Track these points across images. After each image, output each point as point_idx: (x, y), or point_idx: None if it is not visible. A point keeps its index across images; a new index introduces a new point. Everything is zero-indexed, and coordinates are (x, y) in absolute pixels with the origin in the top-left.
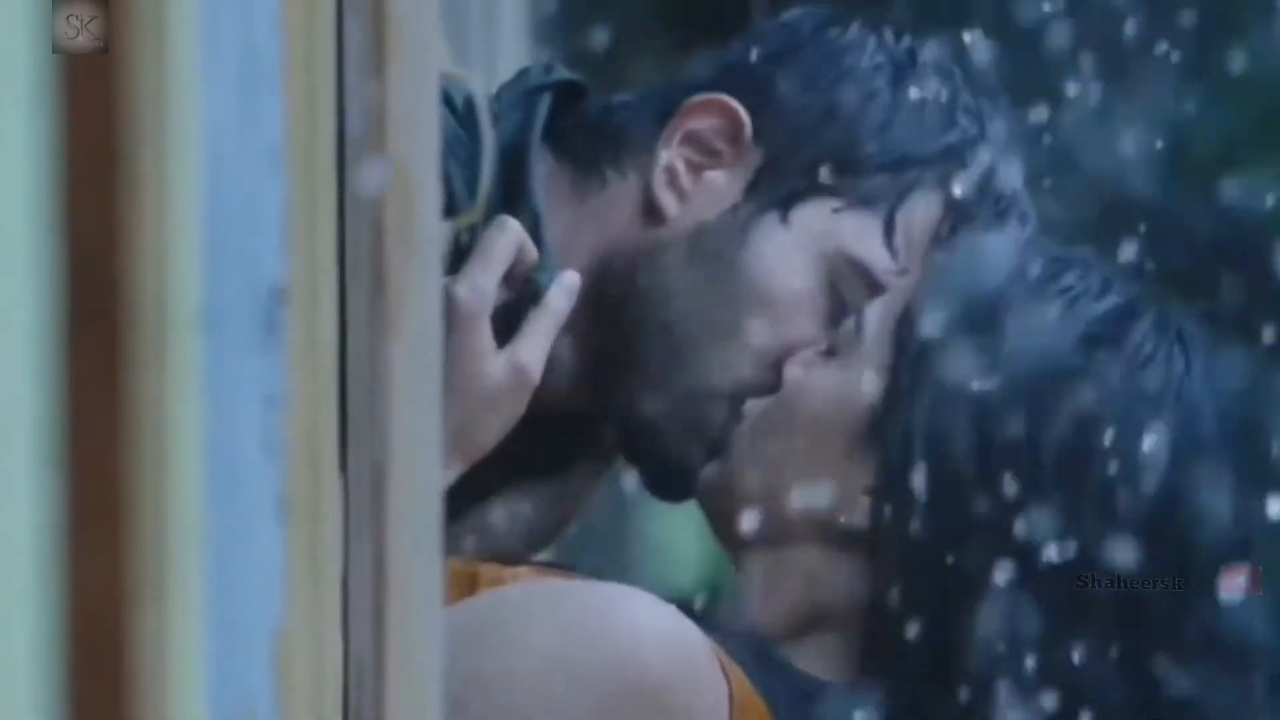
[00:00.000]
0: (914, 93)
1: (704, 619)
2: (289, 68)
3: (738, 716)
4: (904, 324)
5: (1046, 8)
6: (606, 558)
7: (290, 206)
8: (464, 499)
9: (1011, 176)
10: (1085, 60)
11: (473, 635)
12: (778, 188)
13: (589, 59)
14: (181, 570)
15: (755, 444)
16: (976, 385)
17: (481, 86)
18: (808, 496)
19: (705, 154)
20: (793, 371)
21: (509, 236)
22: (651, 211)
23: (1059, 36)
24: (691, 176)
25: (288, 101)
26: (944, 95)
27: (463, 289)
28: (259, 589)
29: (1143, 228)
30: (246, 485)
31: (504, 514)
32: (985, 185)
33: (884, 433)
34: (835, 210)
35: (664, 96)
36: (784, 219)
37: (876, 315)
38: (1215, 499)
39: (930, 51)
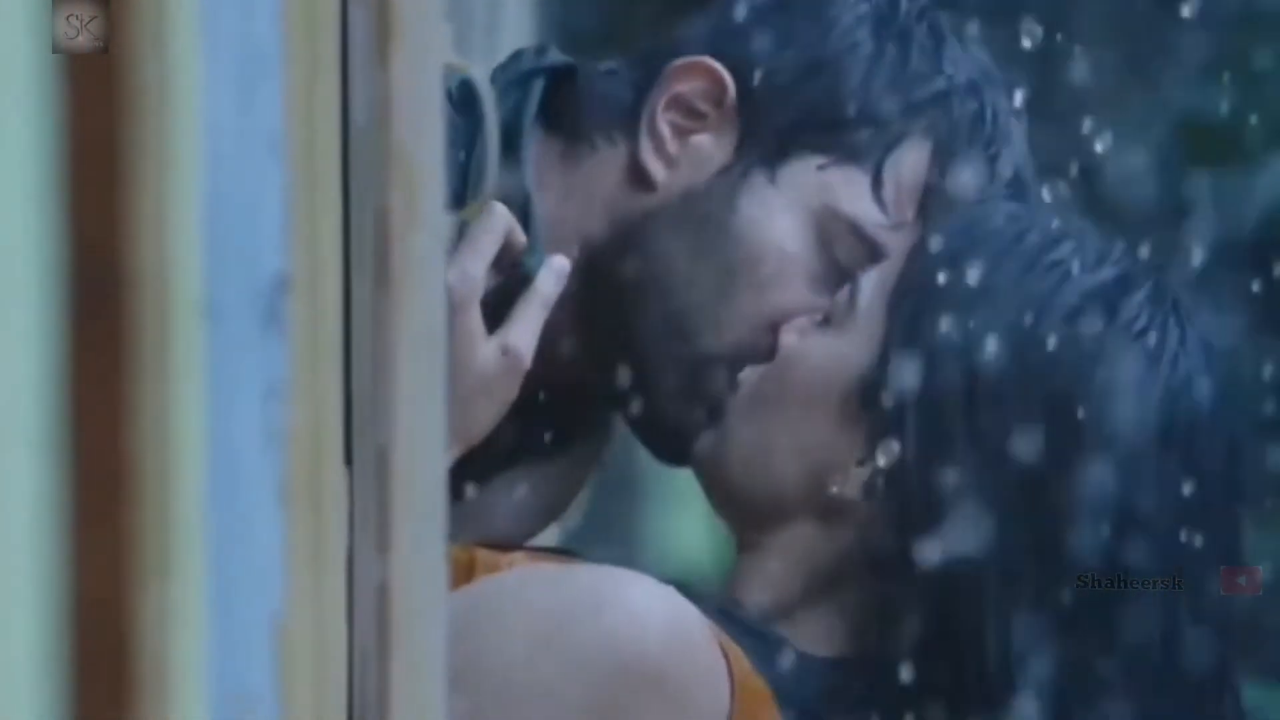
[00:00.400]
0: (897, 42)
1: (702, 598)
2: (290, 57)
3: (737, 696)
4: (898, 294)
5: None
6: (611, 546)
7: (292, 197)
8: (459, 484)
9: (1004, 122)
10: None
11: (469, 621)
12: (763, 148)
13: (583, 37)
14: (183, 560)
15: (750, 413)
16: (970, 356)
17: (483, 75)
18: (802, 466)
19: (691, 118)
20: (787, 339)
21: (497, 222)
22: (640, 179)
23: None
24: (678, 142)
25: (289, 91)
26: (929, 43)
27: (451, 275)
28: (261, 579)
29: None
30: (249, 476)
31: (501, 498)
32: (974, 131)
33: (877, 403)
34: (821, 167)
35: (648, 62)
36: (771, 179)
37: (871, 285)
38: (1211, 469)
39: None
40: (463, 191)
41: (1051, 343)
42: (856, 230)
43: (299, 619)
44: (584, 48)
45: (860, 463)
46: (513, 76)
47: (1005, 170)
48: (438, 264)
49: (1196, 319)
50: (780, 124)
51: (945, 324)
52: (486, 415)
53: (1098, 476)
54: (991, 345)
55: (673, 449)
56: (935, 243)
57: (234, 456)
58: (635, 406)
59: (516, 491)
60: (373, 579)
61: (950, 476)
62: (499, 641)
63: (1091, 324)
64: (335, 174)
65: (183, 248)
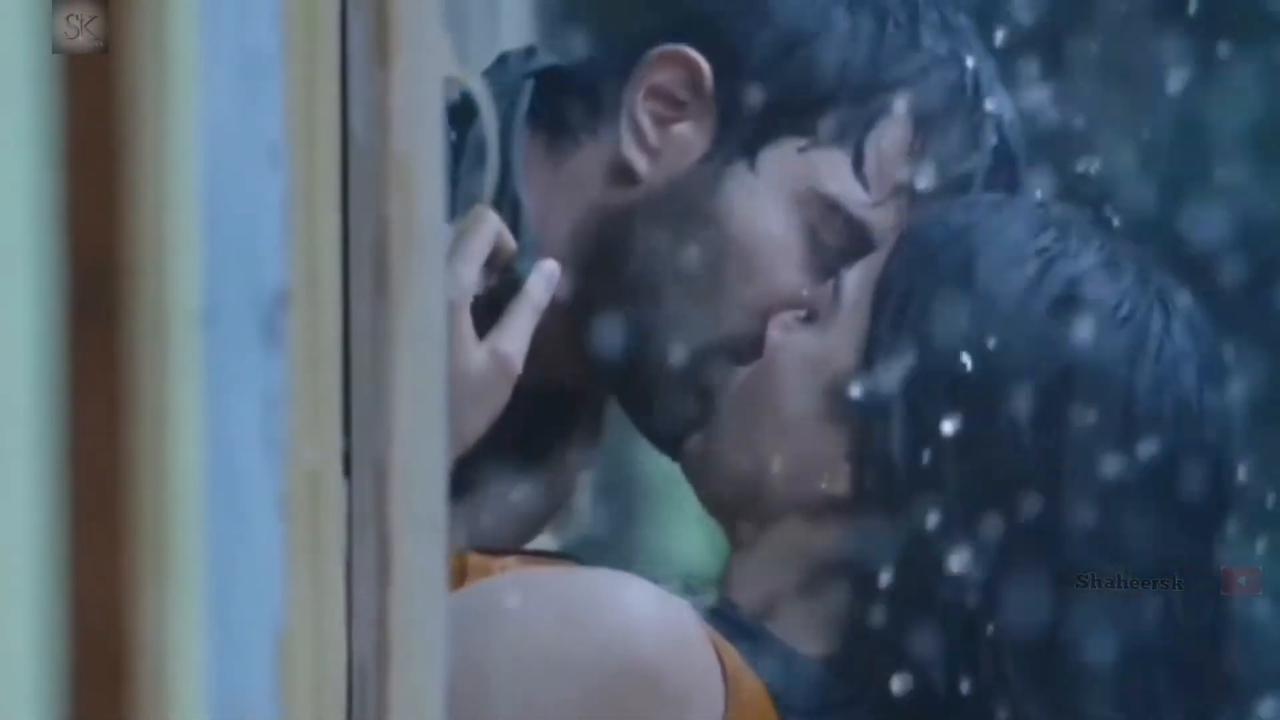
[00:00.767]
0: (873, 17)
1: (698, 600)
2: (289, 61)
3: (733, 697)
4: (882, 288)
5: None
6: (605, 549)
7: (291, 203)
8: (451, 489)
9: (986, 89)
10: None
11: (462, 626)
12: (742, 133)
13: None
14: (182, 569)
15: (736, 411)
16: (956, 348)
17: (484, 88)
18: (790, 463)
19: (671, 107)
20: (772, 336)
21: (487, 226)
22: (623, 171)
23: None
24: (659, 132)
25: (288, 96)
26: (905, 16)
27: None
28: (261, 587)
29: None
30: (247, 483)
31: (492, 502)
32: (955, 101)
33: (862, 398)
34: (801, 150)
35: (625, 51)
36: (751, 165)
37: (855, 280)
38: (1195, 459)
39: None
40: (465, 203)
41: (1037, 332)
42: (841, 210)
43: (299, 626)
44: (582, 48)
45: (848, 458)
46: (500, 82)
47: (989, 138)
48: (437, 272)
49: (1181, 304)
50: (758, 108)
51: (930, 317)
52: (478, 420)
53: (1086, 466)
54: (977, 336)
55: (668, 438)
56: (918, 235)
57: (233, 465)
58: (629, 399)
59: (508, 496)
60: (372, 588)
61: (938, 470)
62: (493, 646)
63: (1077, 312)
64: (334, 182)
65: (181, 248)
